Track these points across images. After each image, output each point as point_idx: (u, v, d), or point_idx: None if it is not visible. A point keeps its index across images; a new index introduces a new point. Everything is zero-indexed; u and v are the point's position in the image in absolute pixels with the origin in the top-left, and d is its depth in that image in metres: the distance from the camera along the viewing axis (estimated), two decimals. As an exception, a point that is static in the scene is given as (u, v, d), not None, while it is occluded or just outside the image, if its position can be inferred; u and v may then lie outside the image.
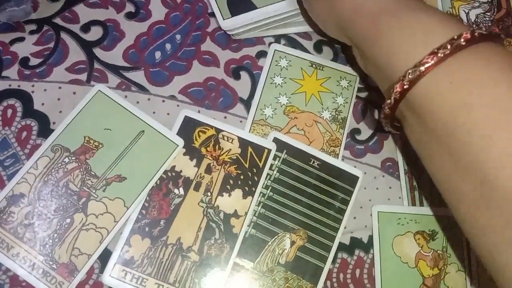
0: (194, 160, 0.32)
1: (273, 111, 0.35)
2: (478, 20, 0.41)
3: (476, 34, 0.24)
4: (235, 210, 0.32)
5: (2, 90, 0.32)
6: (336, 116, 0.36)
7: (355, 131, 0.36)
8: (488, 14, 0.41)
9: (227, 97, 0.35)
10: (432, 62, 0.24)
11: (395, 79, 0.25)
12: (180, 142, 0.32)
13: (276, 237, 0.32)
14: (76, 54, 0.34)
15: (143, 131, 0.32)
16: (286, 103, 0.35)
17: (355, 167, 0.34)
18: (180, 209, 0.31)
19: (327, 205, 0.33)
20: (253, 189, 0.32)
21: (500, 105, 0.22)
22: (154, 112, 0.33)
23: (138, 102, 0.33)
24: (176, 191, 0.31)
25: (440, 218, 0.34)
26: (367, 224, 0.34)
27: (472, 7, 0.41)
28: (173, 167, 0.32)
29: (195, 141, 0.33)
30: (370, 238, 0.34)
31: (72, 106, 0.32)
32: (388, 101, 0.26)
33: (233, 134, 0.33)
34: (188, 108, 0.34)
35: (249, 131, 0.34)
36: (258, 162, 0.33)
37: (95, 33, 0.35)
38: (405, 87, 0.25)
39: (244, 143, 0.33)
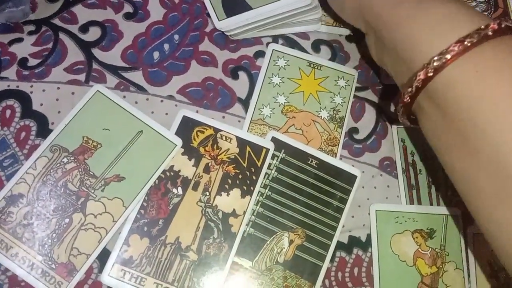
0: (193, 160, 0.32)
1: (271, 110, 0.35)
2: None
3: (502, 25, 0.23)
4: (234, 210, 0.32)
5: (0, 90, 0.32)
6: (334, 115, 0.36)
7: (353, 130, 0.36)
8: (485, 13, 0.41)
9: (225, 97, 0.35)
10: (458, 50, 0.23)
11: (417, 66, 0.25)
12: (179, 141, 0.32)
13: (274, 236, 0.32)
14: (74, 54, 0.34)
15: (142, 131, 0.32)
16: (284, 102, 0.35)
17: (353, 166, 0.34)
18: (179, 209, 0.31)
19: (325, 204, 0.33)
20: (252, 188, 0.32)
21: None
22: (152, 112, 0.33)
23: (136, 102, 0.33)
24: (174, 190, 0.32)
25: (438, 217, 0.35)
26: (365, 223, 0.34)
27: (470, 7, 0.41)
28: (172, 166, 0.32)
29: (193, 141, 0.33)
30: (368, 236, 0.34)
31: (70, 106, 0.32)
32: (409, 89, 0.26)
33: (231, 134, 0.33)
34: (186, 108, 0.34)
35: (247, 131, 0.34)
36: (256, 162, 0.33)
37: (93, 33, 0.35)
38: (429, 74, 0.24)
39: (242, 143, 0.33)
